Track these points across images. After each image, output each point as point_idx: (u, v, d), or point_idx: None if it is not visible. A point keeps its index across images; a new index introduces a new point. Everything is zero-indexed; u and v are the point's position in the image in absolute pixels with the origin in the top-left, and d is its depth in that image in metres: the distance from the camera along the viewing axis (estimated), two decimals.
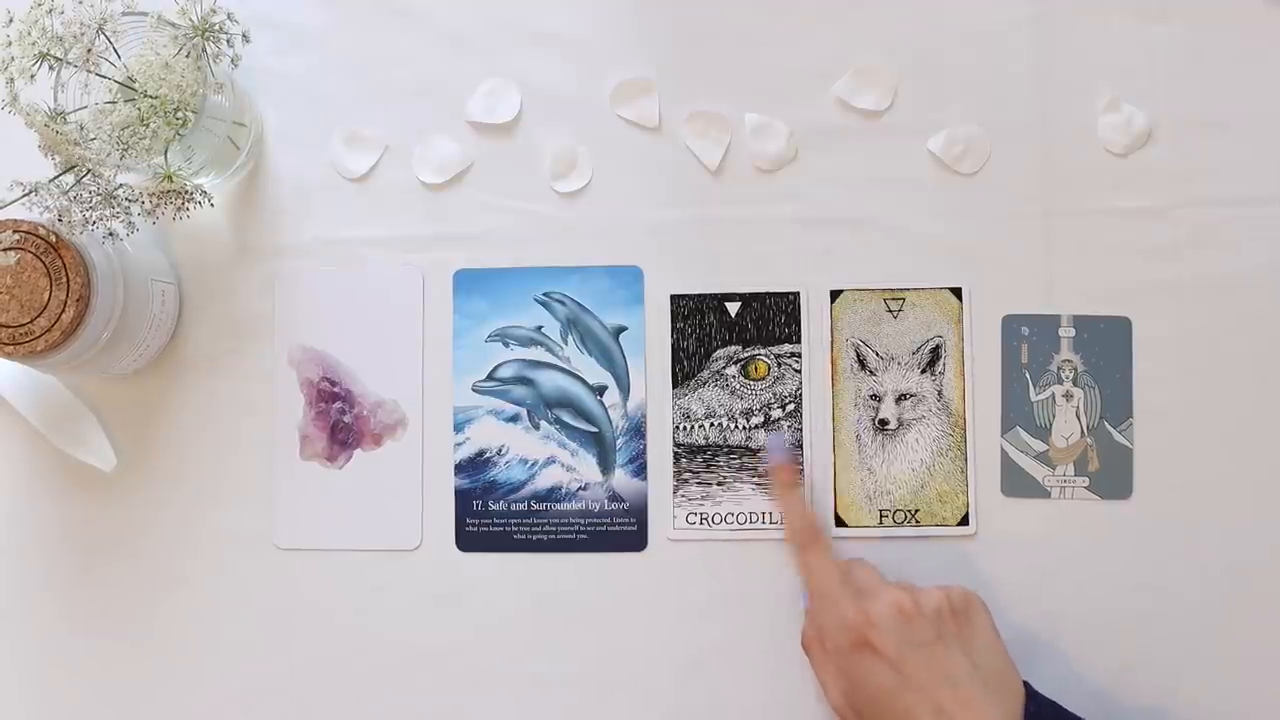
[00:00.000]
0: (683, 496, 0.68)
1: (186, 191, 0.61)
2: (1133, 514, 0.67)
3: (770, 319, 0.68)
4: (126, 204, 0.60)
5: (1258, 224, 0.67)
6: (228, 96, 0.64)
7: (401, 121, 0.70)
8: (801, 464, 0.68)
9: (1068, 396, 0.67)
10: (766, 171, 0.69)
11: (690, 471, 0.68)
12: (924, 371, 0.68)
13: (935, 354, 0.68)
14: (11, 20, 0.58)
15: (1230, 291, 0.67)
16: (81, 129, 0.59)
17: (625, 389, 0.69)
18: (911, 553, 0.66)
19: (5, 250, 0.60)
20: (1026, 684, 0.59)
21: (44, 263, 0.60)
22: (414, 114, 0.70)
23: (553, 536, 0.68)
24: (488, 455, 0.69)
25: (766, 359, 0.68)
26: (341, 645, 0.68)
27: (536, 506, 0.68)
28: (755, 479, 0.68)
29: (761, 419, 0.68)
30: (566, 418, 0.69)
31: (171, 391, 0.69)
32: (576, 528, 0.68)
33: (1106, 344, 0.67)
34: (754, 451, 0.68)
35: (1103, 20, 0.68)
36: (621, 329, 0.69)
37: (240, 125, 0.67)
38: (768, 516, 0.68)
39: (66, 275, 0.60)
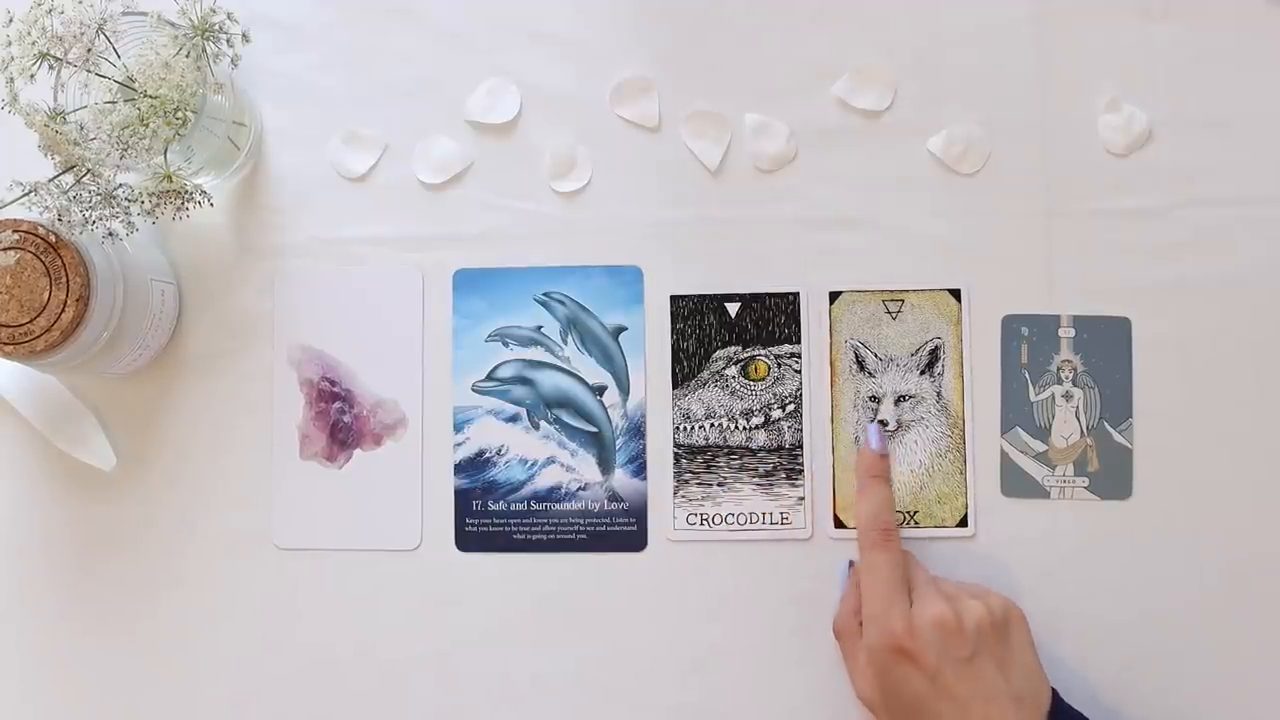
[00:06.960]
0: (683, 497, 0.68)
1: (186, 191, 0.61)
2: (1132, 514, 0.67)
3: (770, 319, 0.68)
4: (126, 204, 0.60)
5: (1258, 224, 0.67)
6: (227, 96, 0.64)
7: (401, 121, 0.70)
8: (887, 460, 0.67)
9: (1067, 397, 0.67)
10: (766, 171, 0.69)
11: (690, 472, 0.68)
12: (923, 373, 0.68)
13: (934, 355, 0.68)
14: (11, 20, 0.58)
15: (1230, 291, 0.67)
16: (81, 129, 0.59)
17: (625, 389, 0.69)
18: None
19: (5, 250, 0.60)
20: (1054, 691, 0.60)
21: (44, 262, 0.60)
22: (413, 114, 0.70)
23: (552, 536, 0.68)
24: (487, 455, 0.69)
25: (766, 359, 0.68)
26: (341, 645, 0.68)
27: (536, 506, 0.68)
28: (756, 479, 0.68)
29: (761, 419, 0.68)
30: (566, 418, 0.69)
31: (171, 391, 0.69)
32: (576, 528, 0.68)
33: (1106, 344, 0.67)
34: (754, 452, 0.68)
35: (1103, 20, 0.68)
36: (621, 329, 0.69)
37: (240, 125, 0.67)
38: (768, 517, 0.68)
39: (66, 275, 0.60)
